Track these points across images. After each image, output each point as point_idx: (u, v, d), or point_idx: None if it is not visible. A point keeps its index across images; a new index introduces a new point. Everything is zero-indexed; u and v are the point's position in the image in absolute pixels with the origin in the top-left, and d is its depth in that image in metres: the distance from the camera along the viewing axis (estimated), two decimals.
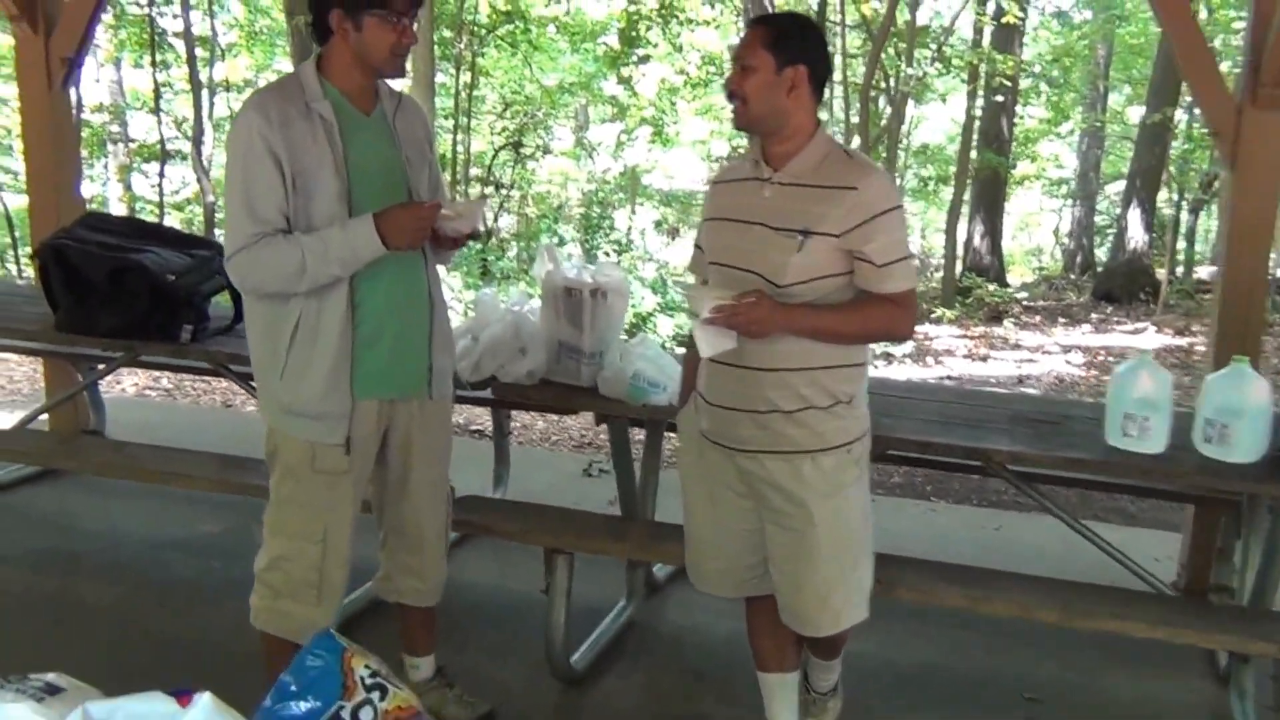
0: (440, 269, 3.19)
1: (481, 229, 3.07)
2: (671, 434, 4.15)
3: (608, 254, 14.38)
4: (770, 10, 15.08)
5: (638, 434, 4.22)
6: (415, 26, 2.83)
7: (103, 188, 19.97)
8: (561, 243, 15.49)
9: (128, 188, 18.39)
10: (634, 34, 15.79)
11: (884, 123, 15.85)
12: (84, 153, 15.78)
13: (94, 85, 18.64)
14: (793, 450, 2.73)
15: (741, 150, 17.78)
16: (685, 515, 3.08)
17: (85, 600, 4.14)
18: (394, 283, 2.92)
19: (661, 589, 4.45)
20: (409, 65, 3.00)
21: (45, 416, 5.51)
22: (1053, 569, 3.89)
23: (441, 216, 2.84)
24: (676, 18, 15.85)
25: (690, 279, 3.08)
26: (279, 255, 2.73)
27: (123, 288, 3.94)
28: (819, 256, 2.64)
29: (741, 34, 2.82)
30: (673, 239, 21.11)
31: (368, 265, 2.80)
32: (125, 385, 7.75)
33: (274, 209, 2.74)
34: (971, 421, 3.77)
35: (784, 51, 2.66)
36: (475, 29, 16.40)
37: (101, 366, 4.81)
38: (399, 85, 3.08)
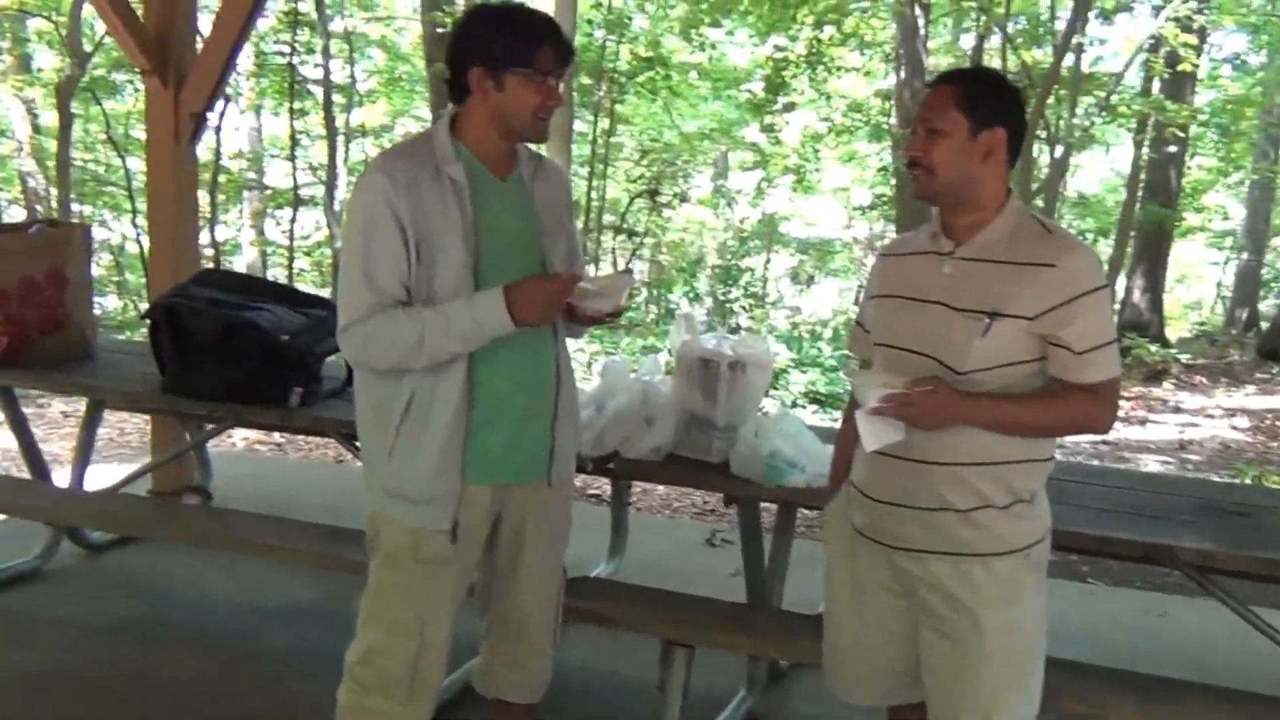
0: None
1: (625, 305, 2.76)
2: (805, 511, 3.84)
3: (744, 307, 14.12)
4: (924, 56, 14.76)
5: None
6: (561, 86, 2.61)
7: (236, 233, 20.46)
8: (695, 295, 15.32)
9: (260, 233, 18.73)
10: (779, 80, 15.52)
11: (1044, 174, 15.27)
12: (220, 198, 16.13)
13: (234, 133, 19.11)
14: (963, 553, 2.40)
15: (885, 198, 17.66)
16: (826, 614, 2.75)
17: (170, 672, 3.93)
18: (517, 359, 2.68)
19: (785, 677, 4.11)
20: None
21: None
22: (1223, 662, 3.65)
23: (579, 291, 2.60)
24: (824, 64, 15.54)
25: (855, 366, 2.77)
26: (397, 329, 2.51)
27: (232, 346, 3.76)
28: (1007, 341, 2.34)
29: (925, 90, 2.47)
30: (808, 287, 20.83)
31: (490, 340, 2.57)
32: (235, 439, 7.64)
33: (394, 279, 2.53)
34: (1151, 512, 3.39)
35: (980, 113, 2.36)
36: (615, 76, 16.35)
37: (210, 426, 4.65)
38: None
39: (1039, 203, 14.40)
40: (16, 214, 19.49)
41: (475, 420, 2.63)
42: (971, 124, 2.34)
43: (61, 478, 5.03)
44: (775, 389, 10.34)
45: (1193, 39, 13.75)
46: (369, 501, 2.75)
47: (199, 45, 5.40)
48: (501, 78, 2.52)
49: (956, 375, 2.35)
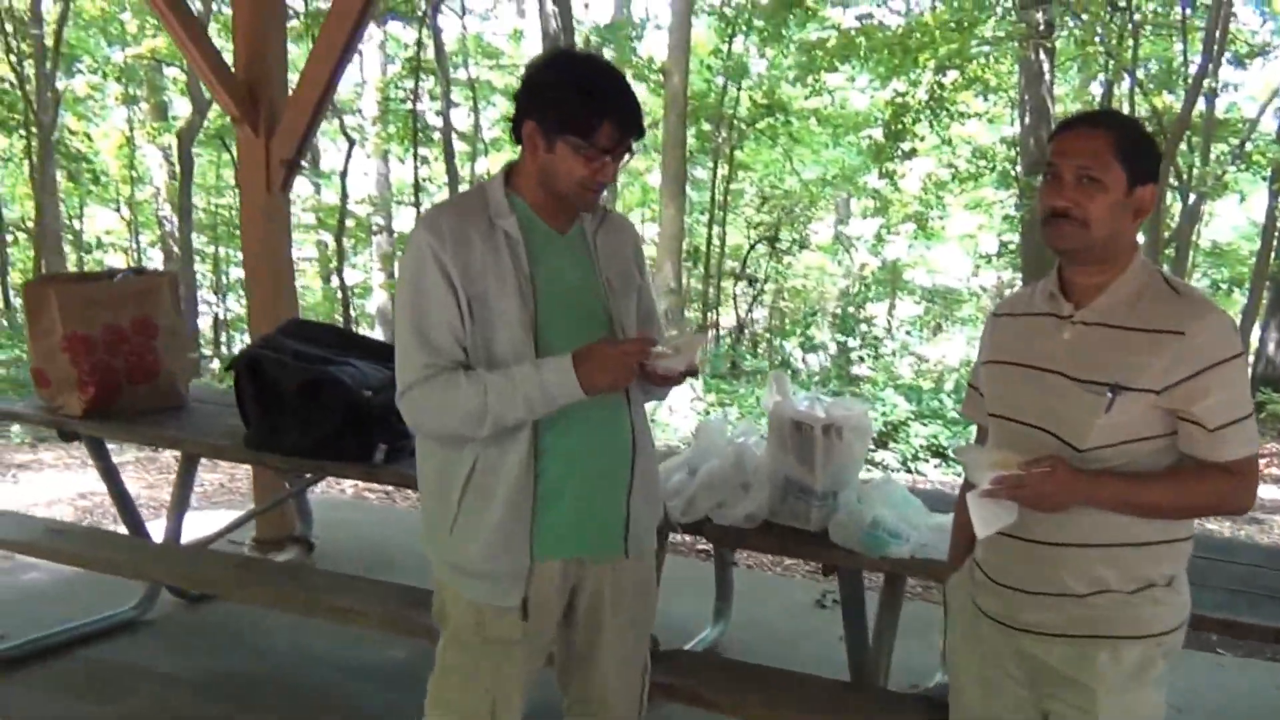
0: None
1: (700, 362, 2.56)
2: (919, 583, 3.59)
3: (862, 357, 13.85)
4: (1050, 102, 14.37)
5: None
6: (624, 159, 2.46)
7: (366, 275, 20.84)
8: (811, 345, 15.09)
9: (390, 276, 19.02)
10: (900, 126, 15.29)
11: (1175, 222, 14.75)
12: (349, 242, 16.41)
13: (363, 178, 19.48)
14: (1088, 635, 2.22)
15: (1012, 246, 17.20)
16: (952, 698, 2.58)
17: None
18: (588, 427, 2.50)
19: None
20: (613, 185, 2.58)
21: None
22: None
23: (654, 354, 2.40)
24: (946, 109, 15.26)
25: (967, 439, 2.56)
26: (458, 394, 2.35)
27: (316, 402, 3.68)
28: (1132, 417, 2.14)
29: (1068, 131, 2.21)
30: (935, 335, 20.45)
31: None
32: (345, 485, 7.60)
33: (449, 338, 2.38)
34: None
35: (1139, 165, 2.14)
36: (735, 122, 16.29)
37: (309, 476, 4.58)
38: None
39: (1170, 252, 13.90)
40: (155, 256, 20.23)
41: (543, 492, 2.45)
42: (1129, 177, 2.13)
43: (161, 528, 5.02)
44: (895, 442, 10.05)
45: None
46: (436, 570, 2.59)
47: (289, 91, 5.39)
48: (553, 140, 2.36)
49: (1077, 453, 2.15)
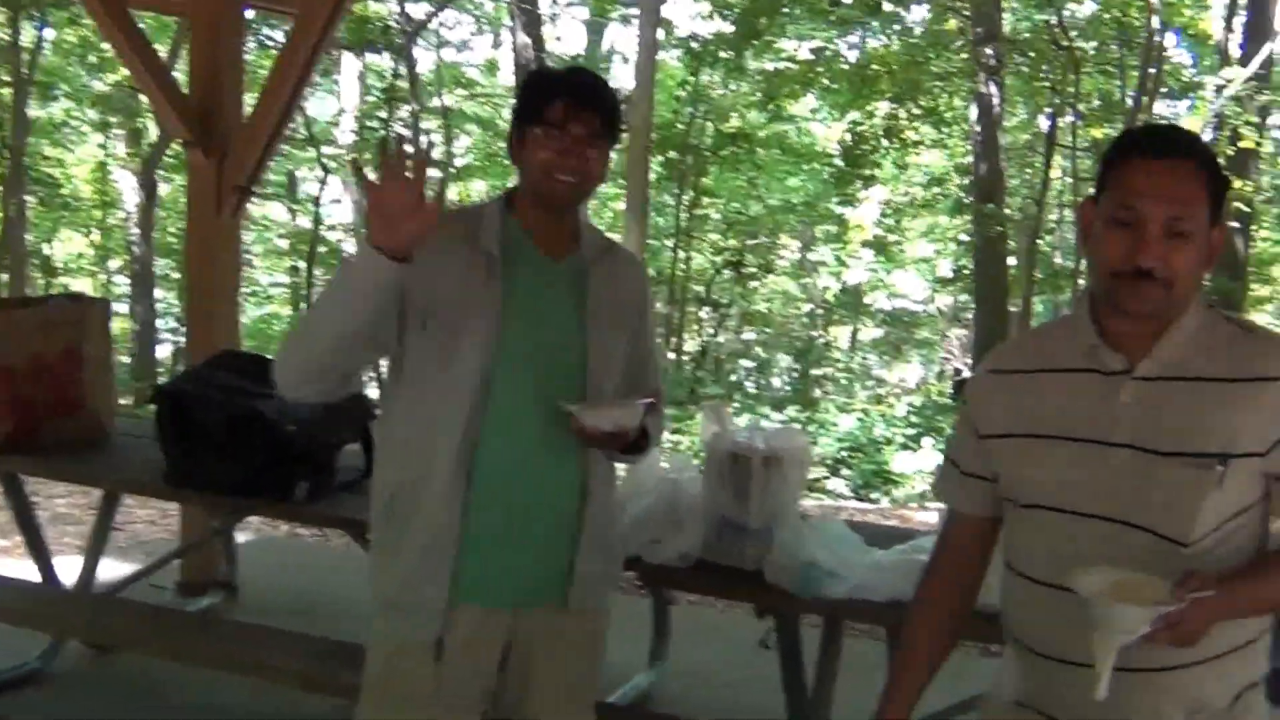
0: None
1: (629, 430, 2.34)
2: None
3: (827, 377, 13.87)
4: (999, 135, 14.64)
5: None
6: (596, 152, 2.34)
7: None
8: (766, 366, 15.13)
9: None
10: (858, 155, 15.45)
11: None
12: (320, 271, 16.33)
13: (336, 205, 19.41)
14: None
15: (967, 271, 17.32)
16: None
17: None
18: (528, 472, 2.36)
19: None
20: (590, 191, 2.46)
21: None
22: None
23: (582, 407, 2.28)
24: (901, 140, 15.47)
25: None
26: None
27: (237, 437, 3.55)
28: (1238, 490, 1.75)
29: (1162, 163, 1.72)
30: (896, 355, 20.58)
31: (497, 437, 2.30)
32: (280, 524, 7.17)
33: None
34: None
35: (1220, 200, 1.76)
36: (700, 150, 16.36)
37: (229, 515, 4.44)
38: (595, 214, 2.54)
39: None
40: (121, 282, 20.04)
41: (474, 527, 2.32)
42: (1210, 218, 1.73)
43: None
44: (847, 469, 9.99)
45: (1253, 117, 13.91)
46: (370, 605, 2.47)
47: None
48: (522, 137, 2.31)
49: (1182, 549, 1.73)
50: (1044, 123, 16.80)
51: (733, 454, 3.21)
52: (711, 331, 17.92)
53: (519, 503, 2.36)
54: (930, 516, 5.18)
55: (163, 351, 19.28)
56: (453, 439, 2.28)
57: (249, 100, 5.38)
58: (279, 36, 13.05)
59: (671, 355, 16.81)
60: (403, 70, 16.27)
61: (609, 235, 2.53)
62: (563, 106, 2.26)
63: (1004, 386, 1.92)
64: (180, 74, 5.25)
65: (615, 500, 2.61)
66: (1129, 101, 14.23)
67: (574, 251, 2.42)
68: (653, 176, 16.11)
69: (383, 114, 16.61)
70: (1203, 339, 1.78)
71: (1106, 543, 1.75)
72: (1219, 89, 13.54)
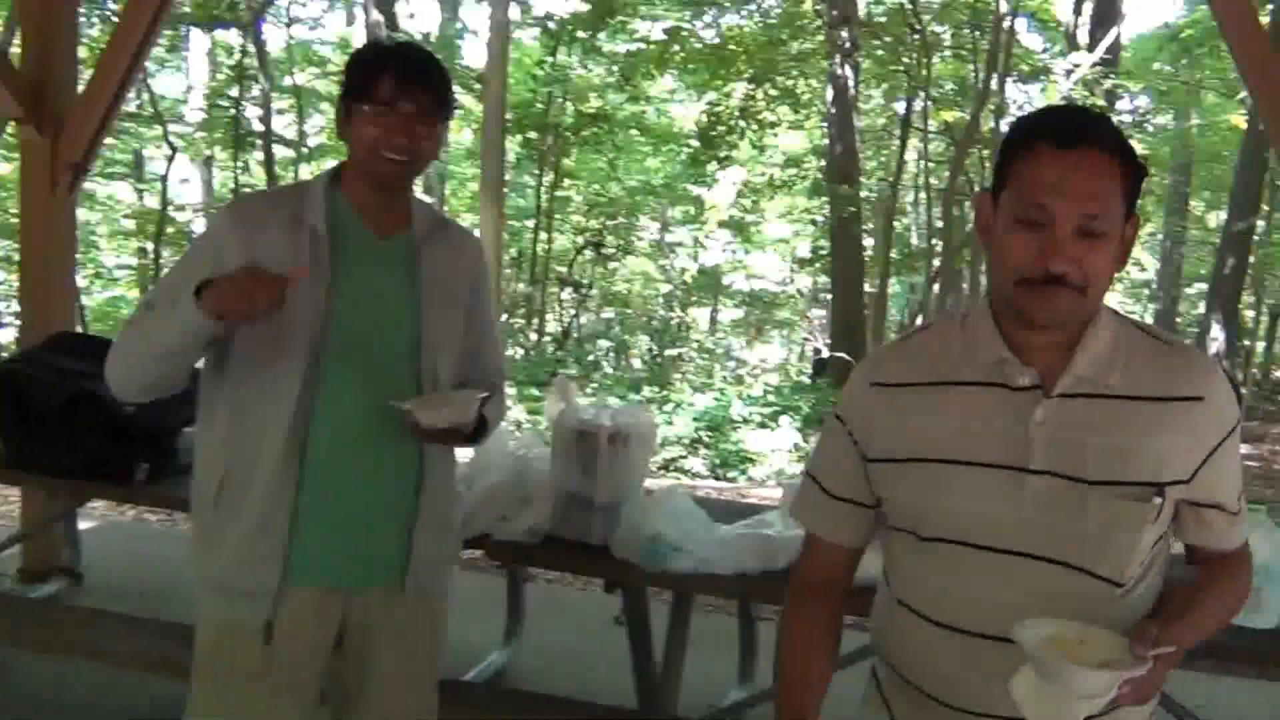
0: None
1: (468, 421, 2.35)
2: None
3: (681, 358, 13.98)
4: (855, 117, 14.86)
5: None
6: (426, 129, 2.29)
7: None
8: (622, 348, 15.21)
9: None
10: (715, 136, 15.57)
11: (969, 229, 15.47)
12: (166, 252, 15.86)
13: (183, 185, 18.89)
14: None
15: (825, 253, 17.59)
16: None
17: None
18: (364, 454, 2.33)
19: None
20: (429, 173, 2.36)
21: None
22: None
23: (415, 403, 2.26)
24: (758, 120, 15.62)
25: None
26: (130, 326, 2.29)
27: (75, 420, 3.48)
28: (1164, 520, 1.61)
29: (1074, 155, 1.51)
30: (756, 336, 20.82)
31: (327, 419, 2.26)
32: (126, 508, 6.92)
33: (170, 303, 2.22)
34: None
35: (1136, 189, 1.57)
36: (560, 131, 16.33)
37: (69, 499, 4.33)
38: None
39: (966, 256, 14.54)
40: None
41: (304, 513, 2.28)
42: (1126, 210, 1.55)
43: None
44: (705, 448, 10.09)
45: (1100, 100, 14.29)
46: (195, 590, 2.41)
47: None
48: (351, 114, 2.26)
49: (1117, 590, 1.58)
50: (900, 106, 17.09)
51: (579, 430, 3.26)
52: (573, 312, 17.94)
53: (351, 485, 2.33)
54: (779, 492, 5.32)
55: (6, 335, 18.60)
56: (281, 423, 2.25)
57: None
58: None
59: (534, 336, 16.78)
60: (251, 48, 15.82)
61: (441, 212, 2.48)
62: (391, 83, 2.22)
63: (891, 403, 1.67)
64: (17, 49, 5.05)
65: (453, 482, 2.59)
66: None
67: (405, 229, 2.39)
68: (513, 157, 16.09)
69: (233, 92, 16.14)
70: (1120, 350, 1.60)
71: (1029, 583, 1.58)
72: (1068, 73, 13.96)
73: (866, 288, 15.99)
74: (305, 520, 2.29)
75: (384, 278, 2.36)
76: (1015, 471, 1.57)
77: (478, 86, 15.93)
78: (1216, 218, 19.77)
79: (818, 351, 15.79)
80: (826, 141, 15.84)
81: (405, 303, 2.36)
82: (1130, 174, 1.53)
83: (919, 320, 15.20)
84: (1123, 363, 1.58)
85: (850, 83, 14.72)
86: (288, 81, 17.05)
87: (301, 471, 2.28)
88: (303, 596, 2.32)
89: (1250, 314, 18.80)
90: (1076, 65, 13.92)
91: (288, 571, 2.29)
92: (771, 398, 12.19)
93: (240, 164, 16.56)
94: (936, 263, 14.20)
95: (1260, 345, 18.77)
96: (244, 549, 2.28)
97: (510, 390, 11.65)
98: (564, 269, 18.25)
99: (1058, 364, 1.58)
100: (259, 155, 16.86)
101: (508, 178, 15.50)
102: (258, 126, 16.59)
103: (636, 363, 16.80)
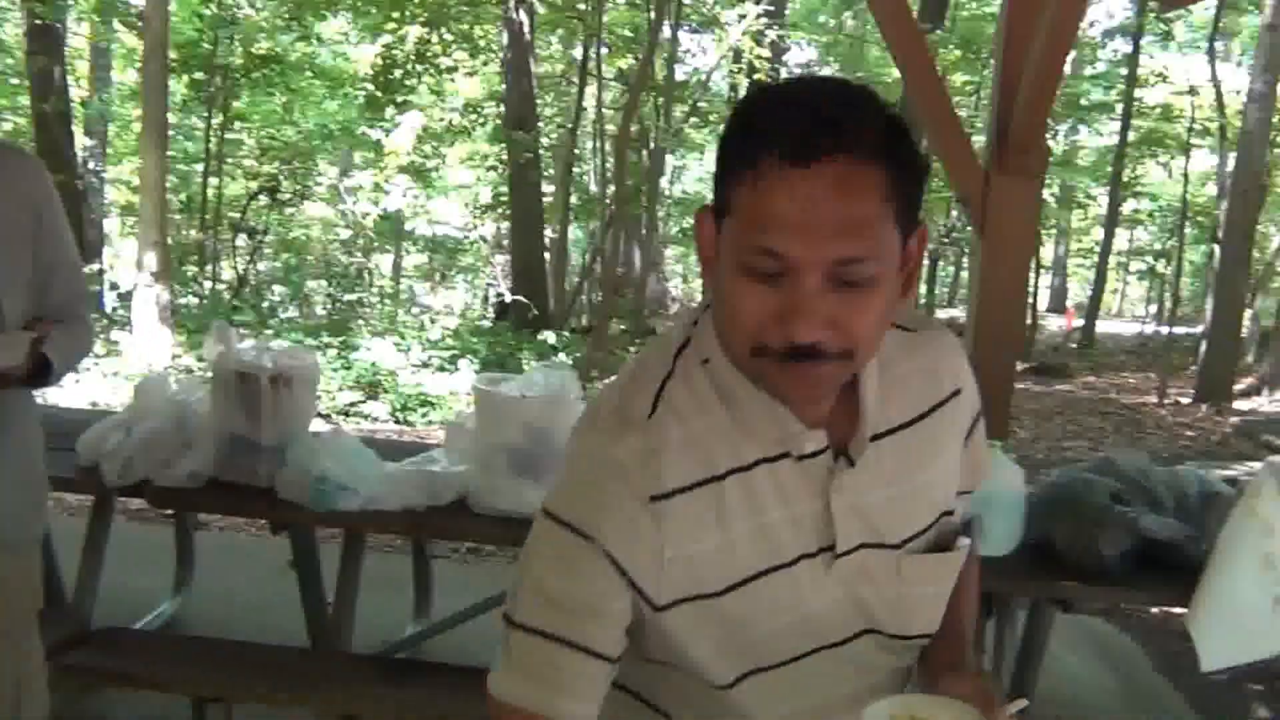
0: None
1: (17, 364, 2.20)
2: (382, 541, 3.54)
3: (362, 303, 13.79)
4: (532, 63, 14.95)
5: None
6: None
7: None
8: (298, 293, 14.89)
9: None
10: (391, 79, 15.35)
11: (642, 176, 15.97)
12: None
13: None
14: None
15: (504, 199, 17.59)
16: None
17: None
18: None
19: None
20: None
21: None
22: None
23: None
24: (434, 65, 15.51)
25: None
26: None
27: None
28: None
29: (810, 171, 1.05)
30: (440, 282, 20.78)
31: None
32: None
33: None
34: None
35: (911, 201, 1.13)
36: (229, 71, 15.66)
37: None
38: None
39: (642, 200, 14.97)
40: None
41: None
42: (901, 232, 1.12)
43: None
44: (385, 392, 10.05)
45: (766, 52, 15.02)
46: None
47: None
48: None
49: (904, 642, 1.34)
50: (578, 52, 17.25)
51: (240, 373, 3.24)
52: (248, 258, 17.36)
53: None
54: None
55: None
56: None
57: None
58: None
59: (208, 283, 16.15)
60: None
61: None
62: None
63: (684, 518, 1.20)
64: None
65: (35, 427, 2.43)
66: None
67: None
68: (179, 99, 15.33)
69: None
70: (885, 364, 1.27)
71: (834, 667, 1.33)
72: (739, 20, 14.39)
73: (548, 233, 16.17)
74: None
75: None
76: (824, 555, 1.25)
77: (140, 25, 15.12)
78: None
79: (500, 296, 15.90)
80: (504, 87, 15.87)
81: None
82: (900, 178, 1.09)
83: (597, 267, 15.51)
84: (890, 379, 1.27)
85: (525, 28, 14.76)
86: None
87: None
88: None
89: None
90: (743, 15, 14.38)
91: None
92: (450, 341, 12.24)
93: None
94: (613, 207, 14.49)
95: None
96: None
97: (180, 338, 11.24)
98: (237, 215, 17.61)
99: (841, 414, 1.23)
100: None
101: (174, 120, 14.74)
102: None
103: (320, 310, 16.47)
